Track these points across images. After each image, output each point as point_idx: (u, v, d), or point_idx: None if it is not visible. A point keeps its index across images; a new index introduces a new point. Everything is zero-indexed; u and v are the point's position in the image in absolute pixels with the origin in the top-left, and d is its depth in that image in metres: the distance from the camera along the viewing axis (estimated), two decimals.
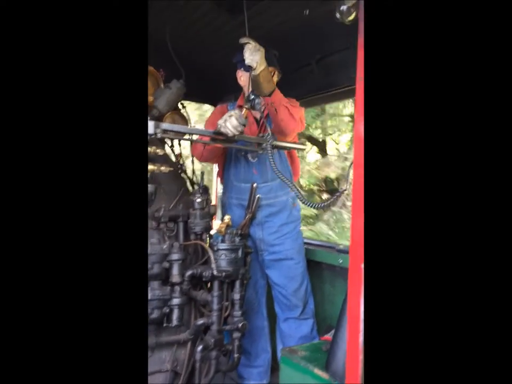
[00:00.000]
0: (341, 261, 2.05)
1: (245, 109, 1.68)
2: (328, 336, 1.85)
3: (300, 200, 1.58)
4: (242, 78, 1.92)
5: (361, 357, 0.94)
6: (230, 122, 1.59)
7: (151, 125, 1.38)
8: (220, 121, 1.62)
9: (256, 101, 1.63)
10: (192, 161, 2.04)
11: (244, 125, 1.64)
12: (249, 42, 1.59)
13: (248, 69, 1.69)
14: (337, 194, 1.46)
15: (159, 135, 1.40)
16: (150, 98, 1.88)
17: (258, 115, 1.96)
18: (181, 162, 2.01)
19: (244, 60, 1.67)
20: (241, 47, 1.71)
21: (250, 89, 1.71)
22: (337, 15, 1.42)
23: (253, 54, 1.58)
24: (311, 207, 1.57)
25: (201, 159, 1.99)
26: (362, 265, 0.93)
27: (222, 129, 1.62)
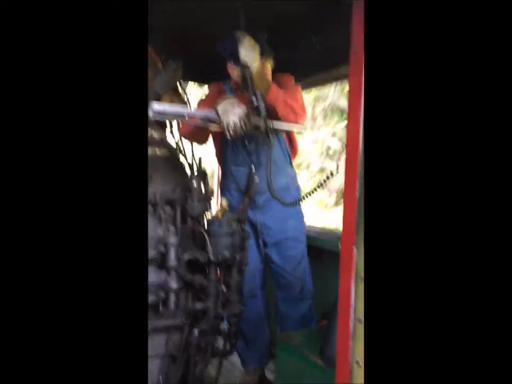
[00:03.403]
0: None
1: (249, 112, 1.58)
2: (325, 322, 1.83)
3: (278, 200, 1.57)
4: (235, 72, 1.79)
5: (351, 343, 0.91)
6: (234, 130, 1.53)
7: None
8: (224, 119, 1.53)
9: (261, 105, 1.54)
10: (192, 146, 2.01)
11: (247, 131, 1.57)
12: (244, 37, 1.52)
13: (239, 63, 1.59)
14: (325, 179, 1.41)
15: (150, 117, 1.37)
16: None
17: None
18: (181, 147, 1.98)
19: (233, 54, 1.61)
20: (224, 36, 1.65)
21: (251, 91, 1.58)
22: None
23: (249, 51, 1.52)
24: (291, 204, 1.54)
25: (189, 137, 1.92)
26: (355, 247, 0.91)
27: (224, 130, 1.55)
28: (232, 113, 1.50)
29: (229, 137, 1.55)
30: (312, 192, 1.48)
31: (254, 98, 1.53)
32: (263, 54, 1.68)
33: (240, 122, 1.50)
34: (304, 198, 1.55)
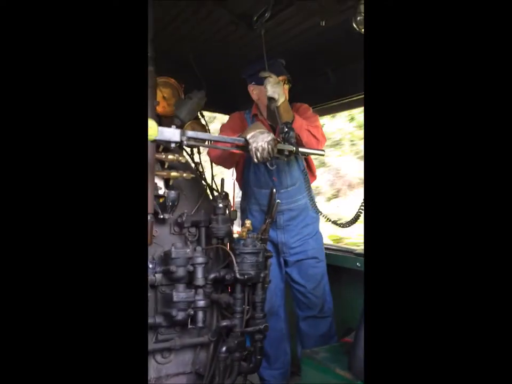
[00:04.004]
0: (359, 265, 2.08)
1: (277, 140, 1.68)
2: (348, 339, 1.87)
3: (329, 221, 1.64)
4: (255, 91, 1.98)
5: None
6: (261, 154, 1.60)
7: (177, 132, 1.44)
8: (252, 143, 1.61)
9: (290, 133, 1.65)
10: (211, 169, 2.11)
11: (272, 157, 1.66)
12: (270, 76, 1.71)
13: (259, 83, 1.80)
14: (360, 210, 1.46)
15: (185, 143, 1.46)
16: (171, 108, 1.96)
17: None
18: (201, 170, 2.08)
19: (253, 74, 1.82)
20: (248, 62, 1.89)
21: (280, 122, 1.73)
22: (354, 25, 1.49)
23: (274, 87, 1.71)
24: (338, 225, 1.60)
25: (218, 161, 2.02)
26: None
27: (251, 152, 1.63)
28: (261, 140, 1.61)
29: (256, 160, 1.64)
30: (350, 223, 1.54)
31: (284, 127, 1.65)
32: (281, 73, 1.87)
33: (268, 147, 1.60)
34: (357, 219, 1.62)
